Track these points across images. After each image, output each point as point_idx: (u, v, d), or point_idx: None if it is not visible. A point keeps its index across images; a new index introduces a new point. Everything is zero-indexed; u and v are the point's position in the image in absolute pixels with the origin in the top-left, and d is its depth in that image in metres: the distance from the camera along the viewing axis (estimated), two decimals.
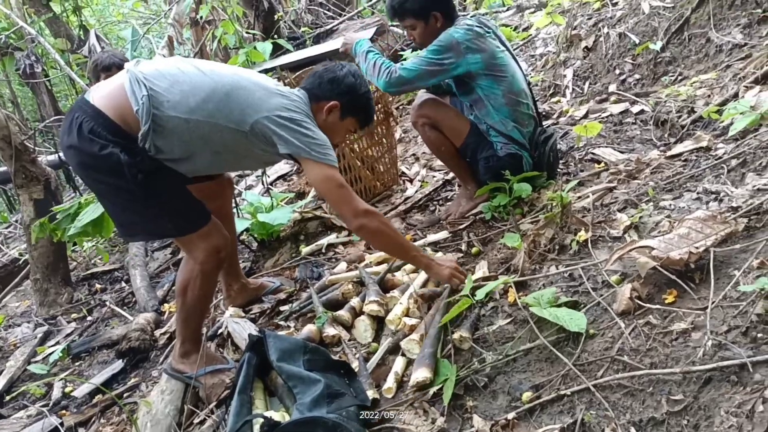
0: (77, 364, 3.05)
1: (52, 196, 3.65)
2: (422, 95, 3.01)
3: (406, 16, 2.77)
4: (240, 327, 2.48)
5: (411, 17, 2.76)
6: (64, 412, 2.67)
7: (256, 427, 1.87)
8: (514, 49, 5.06)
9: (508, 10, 6.88)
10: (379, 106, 3.27)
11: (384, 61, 2.78)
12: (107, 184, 2.10)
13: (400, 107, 5.05)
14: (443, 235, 2.81)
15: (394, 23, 6.78)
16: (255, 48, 6.42)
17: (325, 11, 8.39)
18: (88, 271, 4.12)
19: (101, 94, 2.08)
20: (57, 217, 3.08)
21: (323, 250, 3.05)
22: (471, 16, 2.86)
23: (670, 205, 2.28)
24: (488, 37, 2.73)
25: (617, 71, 3.90)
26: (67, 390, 2.82)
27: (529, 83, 2.94)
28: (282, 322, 2.56)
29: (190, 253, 2.28)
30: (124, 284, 3.75)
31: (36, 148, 3.79)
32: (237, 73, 2.21)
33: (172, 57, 2.25)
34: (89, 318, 3.48)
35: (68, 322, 3.52)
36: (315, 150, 2.15)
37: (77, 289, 3.85)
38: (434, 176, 3.53)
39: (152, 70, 2.10)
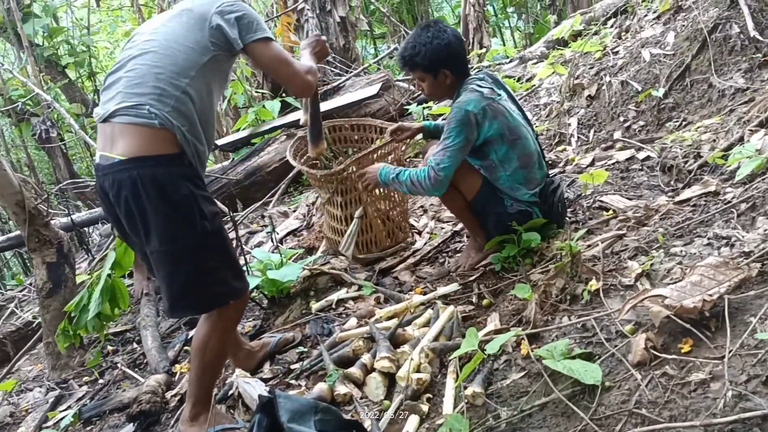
0: (88, 429, 3.00)
1: (65, 259, 3.68)
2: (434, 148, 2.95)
3: (416, 69, 2.79)
4: (251, 387, 2.45)
5: (420, 71, 2.78)
6: None
7: None
8: (519, 100, 5.13)
9: (511, 61, 7.00)
10: (391, 158, 3.30)
11: (416, 171, 2.75)
12: (173, 239, 2.09)
13: (408, 160, 5.10)
14: (453, 287, 2.79)
15: (402, 77, 6.92)
16: (264, 107, 6.57)
17: (332, 68, 8.59)
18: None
19: (122, 144, 2.06)
20: (72, 315, 3.11)
21: (333, 306, 3.03)
22: (477, 71, 2.88)
23: (681, 251, 2.26)
24: (500, 99, 2.73)
25: (621, 118, 3.94)
26: None
27: (537, 135, 2.95)
28: (293, 381, 2.53)
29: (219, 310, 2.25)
30: (135, 345, 3.74)
31: (51, 211, 3.83)
32: (166, 17, 2.29)
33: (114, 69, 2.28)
34: (101, 381, 3.45)
35: (80, 386, 3.48)
36: (260, 29, 2.24)
37: (89, 352, 3.84)
38: (443, 228, 3.53)
39: (115, 94, 2.12)
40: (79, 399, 3.35)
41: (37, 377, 3.90)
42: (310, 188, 5.87)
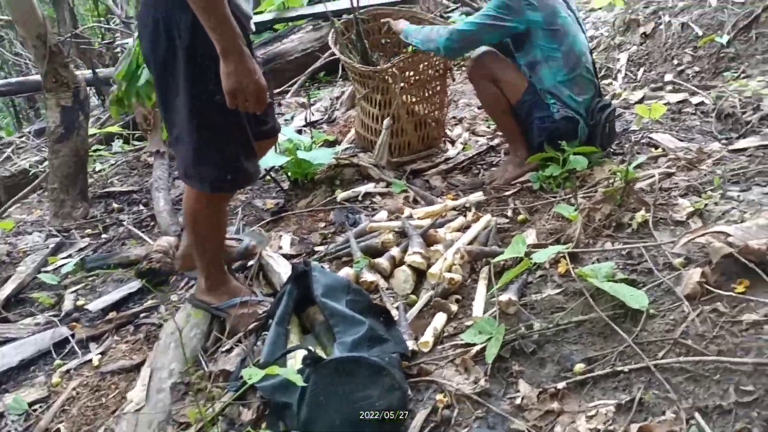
0: (90, 279, 2.94)
1: (81, 105, 3.50)
2: (481, 48, 2.90)
3: None
4: (274, 261, 2.39)
5: None
6: (75, 324, 2.57)
7: (291, 361, 1.79)
8: None
9: None
10: (437, 60, 3.13)
11: (439, 26, 2.78)
12: (184, 95, 1.81)
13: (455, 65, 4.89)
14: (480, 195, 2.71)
15: None
16: None
17: None
18: (105, 190, 3.99)
19: None
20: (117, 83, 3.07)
21: (359, 198, 2.94)
22: None
23: (739, 196, 2.18)
24: None
25: (675, 61, 3.78)
26: (79, 303, 2.72)
27: (591, 50, 2.84)
28: (316, 263, 2.46)
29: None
30: (142, 207, 3.64)
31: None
32: None
33: None
34: (104, 236, 3.36)
35: (82, 237, 3.40)
36: None
37: (93, 206, 3.73)
38: (477, 141, 3.42)
39: None
40: (81, 249, 3.27)
41: (35, 222, 3.80)
42: (330, 85, 5.68)
